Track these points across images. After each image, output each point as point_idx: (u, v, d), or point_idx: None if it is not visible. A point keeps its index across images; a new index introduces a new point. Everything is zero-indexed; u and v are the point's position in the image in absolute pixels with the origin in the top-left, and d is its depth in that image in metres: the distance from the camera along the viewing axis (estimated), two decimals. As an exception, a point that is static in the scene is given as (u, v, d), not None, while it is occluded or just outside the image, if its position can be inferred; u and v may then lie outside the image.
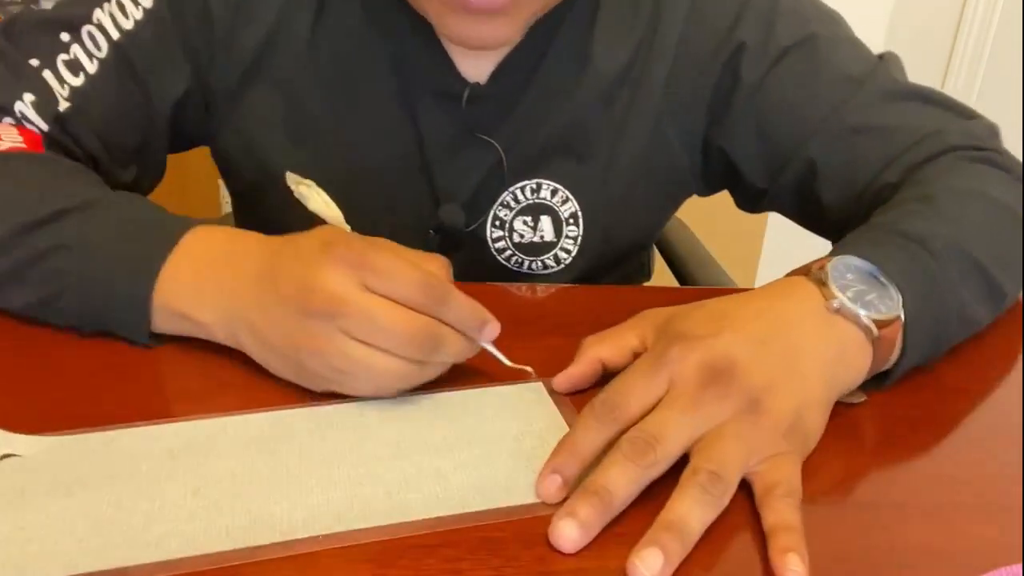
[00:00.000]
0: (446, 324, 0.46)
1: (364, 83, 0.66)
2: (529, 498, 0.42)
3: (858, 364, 0.49)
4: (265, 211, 0.73)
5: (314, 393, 0.48)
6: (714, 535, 0.40)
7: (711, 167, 0.73)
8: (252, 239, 0.52)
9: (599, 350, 0.51)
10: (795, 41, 0.67)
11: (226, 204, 2.02)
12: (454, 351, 0.47)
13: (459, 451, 0.45)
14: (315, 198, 0.50)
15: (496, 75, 0.66)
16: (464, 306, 0.47)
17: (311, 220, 0.70)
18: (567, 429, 0.46)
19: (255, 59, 0.65)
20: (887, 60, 0.69)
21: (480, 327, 0.48)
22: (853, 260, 0.51)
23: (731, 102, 0.68)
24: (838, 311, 0.48)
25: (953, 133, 0.66)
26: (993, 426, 0.52)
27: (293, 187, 0.50)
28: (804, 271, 0.52)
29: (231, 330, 0.50)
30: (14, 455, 0.42)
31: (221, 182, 2.00)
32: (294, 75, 0.66)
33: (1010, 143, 0.69)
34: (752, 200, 0.75)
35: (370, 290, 0.45)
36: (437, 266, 0.49)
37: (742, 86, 0.68)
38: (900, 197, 0.61)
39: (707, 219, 0.97)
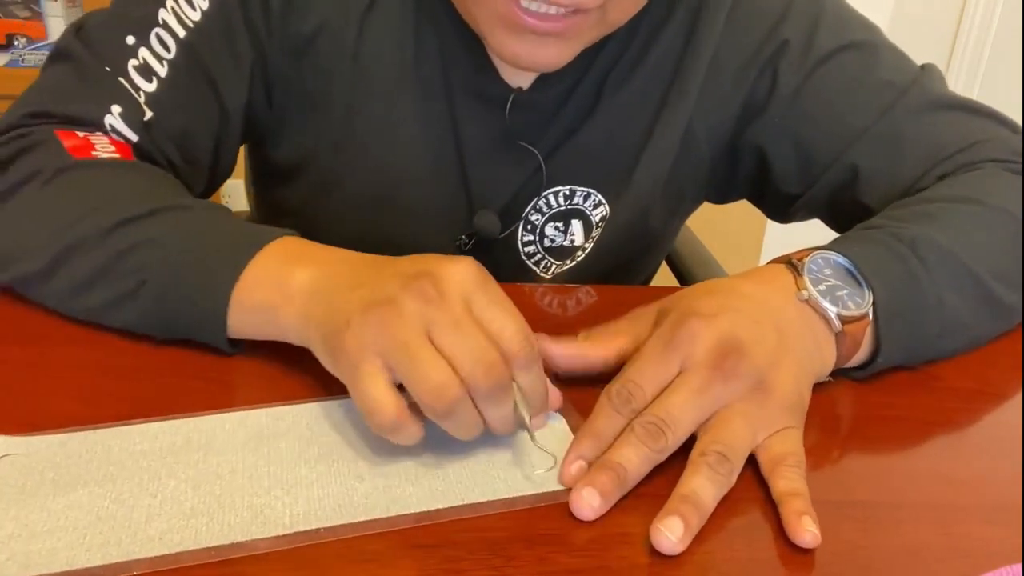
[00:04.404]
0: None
1: (405, 81, 0.65)
2: (527, 490, 0.42)
3: (827, 354, 0.51)
4: (291, 198, 0.72)
5: (312, 390, 0.48)
6: (721, 506, 0.42)
7: (741, 169, 0.72)
8: (353, 251, 0.50)
9: (600, 351, 0.50)
10: (838, 46, 0.66)
11: (227, 201, 2.02)
12: (501, 414, 0.43)
13: (458, 445, 0.45)
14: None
15: (540, 81, 0.65)
16: (540, 379, 0.44)
17: (339, 212, 0.70)
18: (563, 422, 0.48)
19: (303, 48, 0.64)
20: (928, 70, 0.69)
21: (540, 409, 0.45)
22: (834, 256, 0.53)
23: (767, 105, 0.67)
24: (806, 302, 0.50)
25: (996, 145, 0.65)
26: (993, 426, 0.52)
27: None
28: (785, 259, 0.53)
29: (313, 289, 0.47)
30: (15, 454, 0.42)
31: (221, 179, 2.00)
32: (337, 66, 0.64)
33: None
34: (783, 206, 0.73)
35: (472, 313, 0.42)
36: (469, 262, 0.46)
37: (780, 89, 0.66)
38: (918, 198, 0.62)
39: (707, 219, 0.97)
